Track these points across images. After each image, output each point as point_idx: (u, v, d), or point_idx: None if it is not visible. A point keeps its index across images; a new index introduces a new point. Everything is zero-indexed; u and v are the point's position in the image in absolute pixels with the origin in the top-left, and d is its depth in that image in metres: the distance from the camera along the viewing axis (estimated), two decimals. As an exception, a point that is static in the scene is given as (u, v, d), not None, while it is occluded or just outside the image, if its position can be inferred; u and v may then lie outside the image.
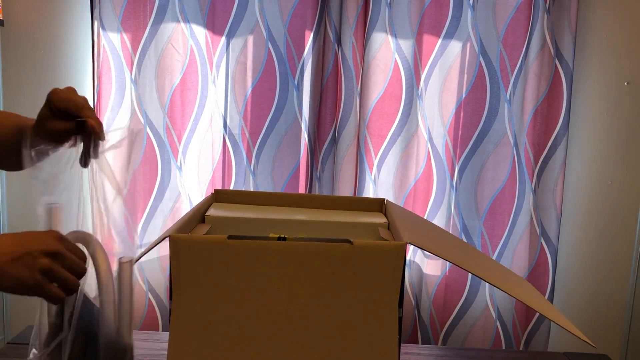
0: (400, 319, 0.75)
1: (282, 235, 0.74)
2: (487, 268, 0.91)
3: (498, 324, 1.72)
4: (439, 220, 1.72)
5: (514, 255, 1.69)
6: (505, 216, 1.69)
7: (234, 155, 1.70)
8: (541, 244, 1.68)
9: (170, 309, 0.73)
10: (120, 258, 0.72)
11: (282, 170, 1.69)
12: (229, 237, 0.72)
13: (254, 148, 1.69)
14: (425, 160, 1.69)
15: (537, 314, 1.70)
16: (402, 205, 1.70)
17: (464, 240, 1.69)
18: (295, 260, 0.73)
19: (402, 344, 1.27)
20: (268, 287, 0.73)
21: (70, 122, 0.73)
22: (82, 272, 0.67)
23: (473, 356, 1.24)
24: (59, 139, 0.74)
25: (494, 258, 1.70)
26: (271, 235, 0.74)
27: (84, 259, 0.68)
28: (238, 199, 1.06)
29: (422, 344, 1.71)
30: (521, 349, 1.71)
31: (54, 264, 0.65)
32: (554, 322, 0.77)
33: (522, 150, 1.65)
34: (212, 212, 0.95)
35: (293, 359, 0.72)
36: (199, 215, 0.93)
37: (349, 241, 0.73)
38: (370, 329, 0.73)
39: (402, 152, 1.69)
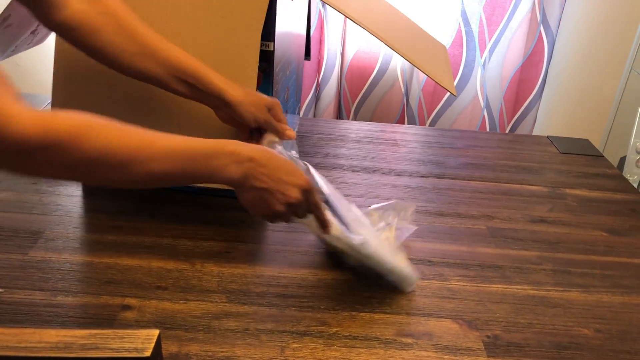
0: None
1: None
2: (389, 27, 0.89)
3: (485, 112, 1.74)
4: (437, 3, 1.63)
5: (510, 44, 1.64)
6: (507, 1, 1.60)
7: None
8: (540, 31, 1.62)
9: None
10: None
11: None
12: None
13: None
14: None
15: (525, 104, 1.71)
16: None
17: (461, 25, 1.62)
18: None
19: (389, 124, 1.28)
20: None
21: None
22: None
23: (457, 136, 1.25)
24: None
25: (489, 45, 1.65)
26: None
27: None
28: None
29: (409, 129, 1.74)
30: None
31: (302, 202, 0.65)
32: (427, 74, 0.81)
33: None
34: None
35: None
36: None
37: None
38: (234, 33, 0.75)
39: None
